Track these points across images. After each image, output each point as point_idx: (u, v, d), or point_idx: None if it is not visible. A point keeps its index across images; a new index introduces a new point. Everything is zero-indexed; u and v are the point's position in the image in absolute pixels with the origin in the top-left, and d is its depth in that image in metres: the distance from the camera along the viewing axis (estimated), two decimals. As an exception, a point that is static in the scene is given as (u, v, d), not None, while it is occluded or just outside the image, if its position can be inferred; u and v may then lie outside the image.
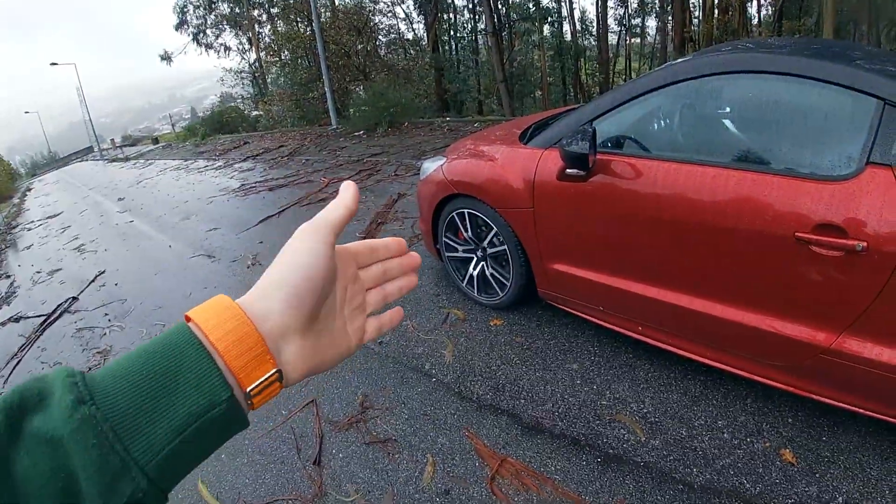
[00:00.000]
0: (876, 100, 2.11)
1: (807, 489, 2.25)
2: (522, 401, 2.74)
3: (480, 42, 24.33)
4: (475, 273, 3.30)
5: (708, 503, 2.21)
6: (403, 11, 26.16)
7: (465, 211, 3.23)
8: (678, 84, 2.52)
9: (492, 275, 3.22)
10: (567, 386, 2.80)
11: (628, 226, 2.58)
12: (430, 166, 3.56)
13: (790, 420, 2.56)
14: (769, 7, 18.97)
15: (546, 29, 22.33)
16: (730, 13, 14.91)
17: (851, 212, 2.09)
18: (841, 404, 2.36)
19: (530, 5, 16.32)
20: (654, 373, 2.83)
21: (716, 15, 14.17)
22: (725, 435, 2.50)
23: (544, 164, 2.80)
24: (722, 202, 2.33)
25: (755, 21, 20.05)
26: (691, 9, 19.99)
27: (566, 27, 23.49)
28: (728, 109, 2.60)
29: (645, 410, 2.62)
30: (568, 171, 2.63)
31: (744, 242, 2.30)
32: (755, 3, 20.23)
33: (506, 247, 3.06)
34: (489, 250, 3.20)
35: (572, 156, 2.54)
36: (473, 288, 3.34)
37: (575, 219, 2.75)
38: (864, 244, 2.05)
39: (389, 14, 24.08)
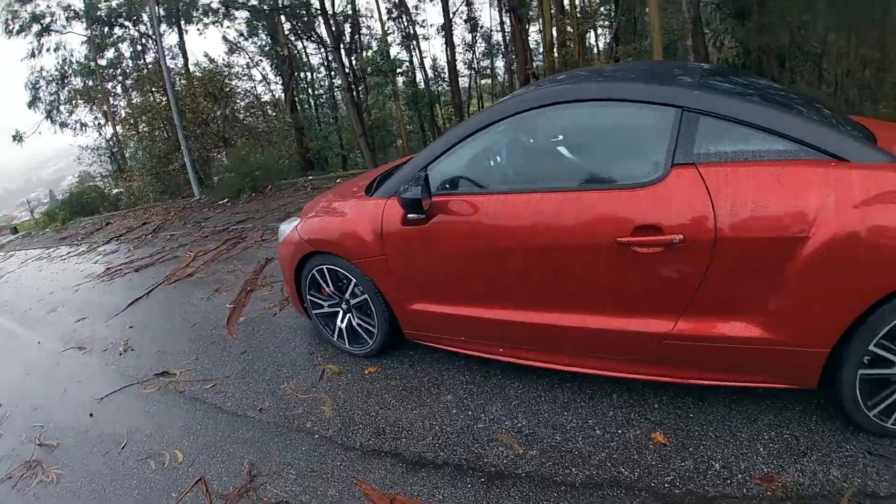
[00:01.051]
0: (674, 108, 2.34)
1: (682, 464, 2.39)
2: (404, 439, 2.71)
3: (339, 98, 24.29)
4: (343, 326, 3.29)
5: (591, 498, 2.28)
6: (260, 73, 25.92)
7: (325, 267, 3.22)
8: (499, 123, 2.68)
9: (359, 325, 3.22)
10: (444, 417, 2.80)
11: (472, 259, 2.68)
12: (287, 228, 3.53)
13: (656, 405, 2.71)
14: (607, 35, 20.51)
15: (400, 79, 22.76)
16: (569, 45, 15.92)
17: (664, 210, 2.28)
18: (698, 381, 2.53)
19: (379, 59, 16.55)
20: (523, 389, 2.91)
21: (555, 49, 15.12)
22: (597, 431, 2.60)
23: (389, 212, 2.87)
24: (551, 223, 2.47)
25: (595, 50, 21.50)
26: (532, 46, 21.22)
27: (419, 76, 24.23)
28: (540, 139, 2.79)
29: (520, 425, 2.68)
30: (409, 216, 2.73)
31: (575, 255, 2.44)
32: (593, 33, 21.71)
33: (367, 296, 3.09)
34: (352, 301, 3.21)
35: (408, 202, 2.64)
36: (344, 341, 3.33)
37: (424, 260, 2.83)
38: (681, 237, 2.25)
39: (246, 77, 23.73)
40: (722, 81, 2.65)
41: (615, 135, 2.60)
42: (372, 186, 3.23)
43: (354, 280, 3.07)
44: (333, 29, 17.70)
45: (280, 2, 17.92)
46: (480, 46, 26.54)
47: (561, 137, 2.76)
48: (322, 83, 26.33)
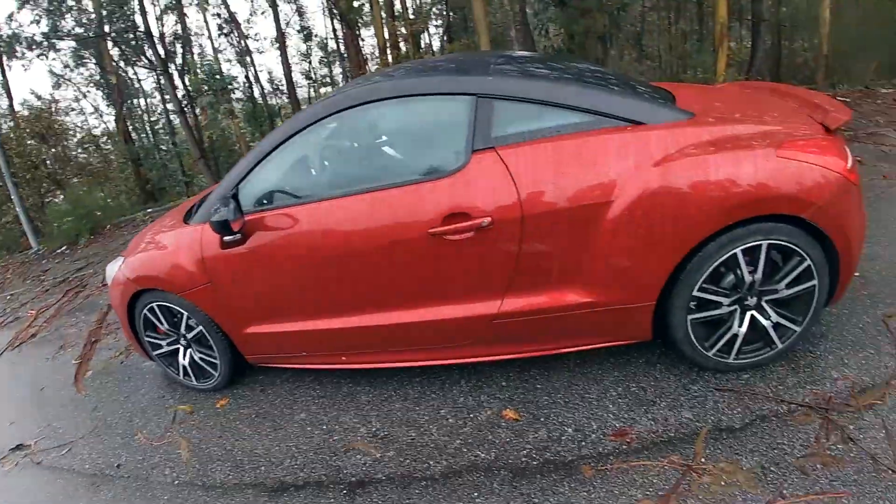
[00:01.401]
0: (469, 97, 2.39)
1: (536, 435, 2.46)
2: (263, 467, 2.58)
3: (176, 122, 22.93)
4: (186, 363, 3.09)
5: (453, 486, 2.29)
6: (91, 104, 23.43)
7: (155, 304, 2.99)
8: (303, 131, 2.61)
9: (201, 359, 3.04)
10: (300, 436, 2.71)
11: (297, 272, 2.62)
12: (112, 269, 3.25)
13: (504, 383, 2.77)
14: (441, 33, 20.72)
15: (237, 95, 21.70)
16: (403, 47, 15.99)
17: (469, 196, 2.32)
18: (539, 352, 2.63)
19: (208, 78, 15.54)
20: (374, 392, 2.88)
21: (388, 52, 15.12)
22: (450, 420, 2.62)
23: (207, 238, 2.71)
24: (367, 224, 2.46)
25: (432, 49, 21.68)
26: (370, 50, 20.90)
27: (257, 90, 23.05)
28: (348, 142, 2.76)
29: (374, 429, 2.64)
30: (225, 239, 2.61)
31: (394, 252, 2.45)
32: (427, 33, 21.83)
33: (202, 328, 2.92)
34: (189, 336, 3.02)
35: (218, 225, 2.51)
36: (191, 377, 3.13)
37: (249, 281, 2.72)
38: (489, 219, 2.30)
39: (76, 111, 21.53)
40: (529, 66, 2.76)
41: (418, 129, 2.63)
42: (191, 213, 3.05)
43: (186, 313, 2.89)
44: (160, 51, 16.47)
45: (104, 28, 16.49)
46: (317, 55, 25.88)
47: (368, 139, 2.74)
48: (156, 108, 24.40)
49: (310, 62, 25.42)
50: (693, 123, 2.38)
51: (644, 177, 2.28)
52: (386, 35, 14.84)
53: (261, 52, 24.42)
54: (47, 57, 19.78)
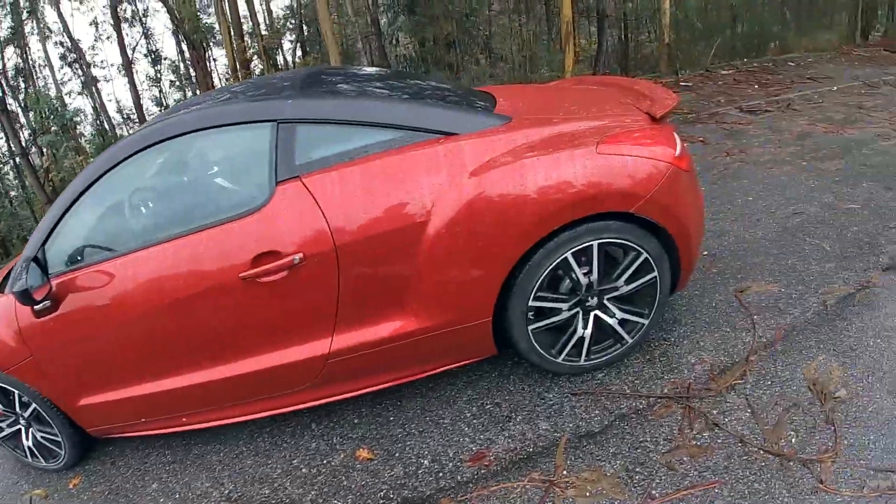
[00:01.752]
0: (269, 123, 2.17)
1: (392, 472, 2.29)
2: None
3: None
4: (30, 444, 2.78)
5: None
6: None
7: None
8: (99, 179, 2.33)
9: (43, 438, 2.74)
10: (150, 511, 2.47)
11: (117, 334, 2.35)
12: None
13: (356, 421, 2.59)
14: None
15: (87, 129, 19.87)
16: (254, 65, 15.47)
17: (276, 232, 2.11)
18: (386, 384, 2.45)
19: (47, 114, 14.03)
20: (225, 450, 2.63)
21: (238, 71, 14.55)
22: (304, 470, 2.41)
23: (21, 307, 2.42)
24: (180, 273, 2.22)
25: (289, 64, 20.67)
26: (221, 70, 20.09)
27: (106, 122, 21.17)
28: (150, 186, 2.50)
29: (227, 491, 2.40)
30: (35, 308, 2.32)
31: (212, 301, 2.22)
32: (282, 49, 20.98)
33: (35, 405, 2.63)
34: (25, 414, 2.72)
35: (21, 296, 2.22)
36: (39, 458, 2.82)
37: (70, 349, 2.42)
38: (300, 255, 2.09)
39: None
40: (340, 84, 2.55)
41: (222, 164, 2.40)
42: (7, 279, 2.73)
43: (16, 391, 2.58)
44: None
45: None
46: (168, 78, 24.16)
47: (171, 180, 2.48)
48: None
49: (160, 87, 23.90)
50: (509, 128, 2.23)
51: (458, 190, 2.13)
52: (234, 54, 14.23)
53: (108, 81, 22.45)
54: None
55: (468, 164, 2.16)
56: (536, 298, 2.27)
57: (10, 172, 19.66)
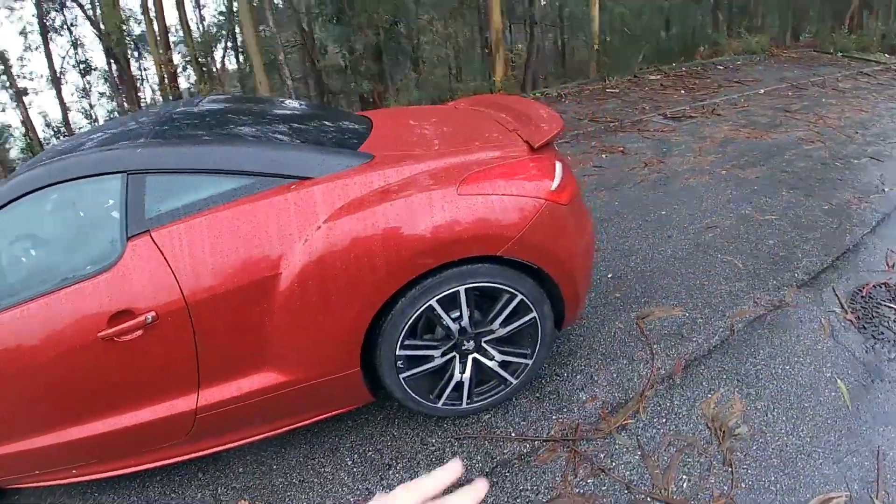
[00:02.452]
0: (120, 174, 1.98)
1: None
2: None
3: None
4: None
5: None
6: None
7: None
8: None
9: None
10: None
11: (2, 391, 2.16)
12: None
13: (241, 470, 2.41)
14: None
15: (14, 151, 18.76)
16: (189, 76, 15.09)
17: (128, 291, 1.93)
18: (263, 435, 2.29)
19: None
20: (118, 500, 2.46)
21: (167, 82, 13.89)
22: (185, 526, 2.25)
23: None
24: (42, 334, 2.04)
25: (229, 68, 20.03)
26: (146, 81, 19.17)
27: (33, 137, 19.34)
28: (8, 244, 2.27)
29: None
30: None
31: (76, 360, 2.03)
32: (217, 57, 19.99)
33: None
34: None
35: None
36: None
37: None
38: (153, 313, 1.92)
39: None
40: (196, 123, 2.32)
41: (74, 219, 2.17)
42: None
43: None
44: None
45: None
46: (98, 90, 22.29)
47: (27, 237, 2.25)
48: None
49: (89, 100, 22.29)
50: (367, 168, 2.04)
51: (308, 241, 1.95)
52: (161, 66, 13.72)
53: (37, 93, 20.67)
54: None
55: (319, 211, 1.97)
56: (404, 347, 2.10)
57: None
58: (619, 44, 11.38)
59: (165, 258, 1.94)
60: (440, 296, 2.04)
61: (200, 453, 2.29)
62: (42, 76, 20.44)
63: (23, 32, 19.27)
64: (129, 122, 2.41)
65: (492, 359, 2.24)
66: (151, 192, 2.00)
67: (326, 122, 2.62)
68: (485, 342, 2.22)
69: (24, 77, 20.05)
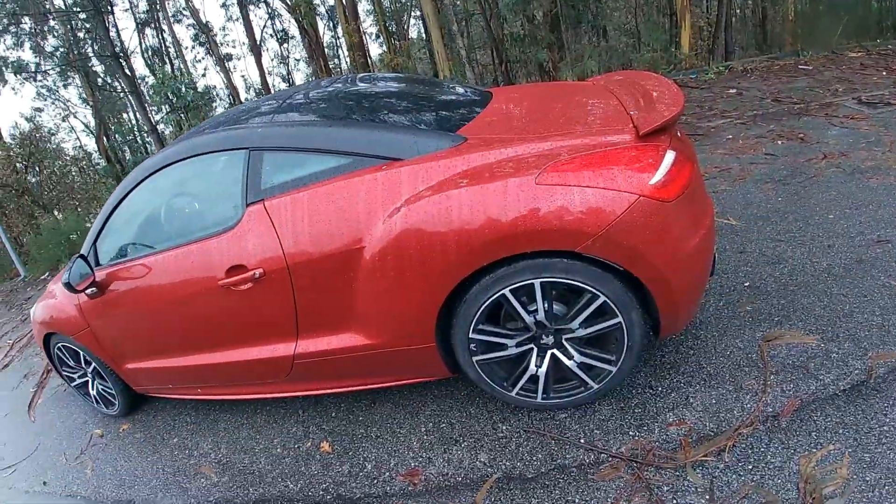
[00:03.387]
0: (243, 151, 2.18)
1: (339, 469, 2.26)
2: (137, 486, 2.59)
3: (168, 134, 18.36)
4: (94, 393, 3.15)
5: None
6: (82, 122, 20.86)
7: (60, 344, 3.07)
8: (133, 189, 2.51)
9: (103, 390, 3.09)
10: (168, 459, 2.68)
11: (141, 317, 2.58)
12: (32, 310, 3.33)
13: (333, 414, 2.55)
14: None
15: (220, 108, 19.33)
16: (377, 44, 14.92)
17: (243, 249, 2.15)
18: (347, 388, 2.42)
19: (170, 95, 13.18)
20: (231, 420, 2.77)
21: (354, 51, 13.40)
22: (279, 450, 2.47)
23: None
24: (182, 276, 2.36)
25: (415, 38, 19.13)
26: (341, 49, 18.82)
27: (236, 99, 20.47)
28: (171, 197, 2.59)
29: (220, 455, 2.56)
30: (87, 292, 2.59)
31: (205, 301, 2.32)
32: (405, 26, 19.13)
33: (94, 364, 2.97)
34: (89, 370, 3.07)
35: (65, 286, 2.53)
36: (101, 405, 3.18)
37: (112, 326, 2.72)
38: (261, 270, 2.11)
39: (63, 130, 20.08)
40: (313, 105, 2.43)
41: (212, 185, 2.43)
42: None
43: (82, 352, 2.95)
44: (128, 72, 15.50)
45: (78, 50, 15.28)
46: (295, 55, 23.03)
47: (179, 196, 2.58)
48: (140, 126, 20.54)
49: (287, 64, 22.94)
50: (455, 153, 1.95)
51: (389, 221, 1.93)
52: (349, 36, 13.56)
53: (239, 59, 22.10)
54: (35, 80, 18.02)
55: (403, 192, 1.92)
56: (478, 331, 1.99)
57: (147, 146, 19.92)
58: (817, 15, 9.26)
59: (273, 224, 2.08)
60: (513, 287, 1.87)
61: (298, 393, 2.46)
62: (243, 44, 21.96)
63: (224, 5, 20.80)
64: (284, 97, 2.56)
65: (571, 358, 2.02)
66: (268, 166, 2.15)
67: (444, 103, 2.53)
68: (565, 340, 2.00)
69: (227, 45, 21.57)
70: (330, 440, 2.40)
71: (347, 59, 18.72)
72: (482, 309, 1.93)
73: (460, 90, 2.75)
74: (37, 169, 13.77)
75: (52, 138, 18.29)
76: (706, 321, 2.44)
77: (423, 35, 16.95)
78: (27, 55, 16.92)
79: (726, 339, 2.34)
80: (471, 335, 1.99)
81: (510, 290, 1.88)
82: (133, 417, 3.10)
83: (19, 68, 16.10)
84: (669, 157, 1.85)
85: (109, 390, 3.01)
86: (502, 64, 11.19)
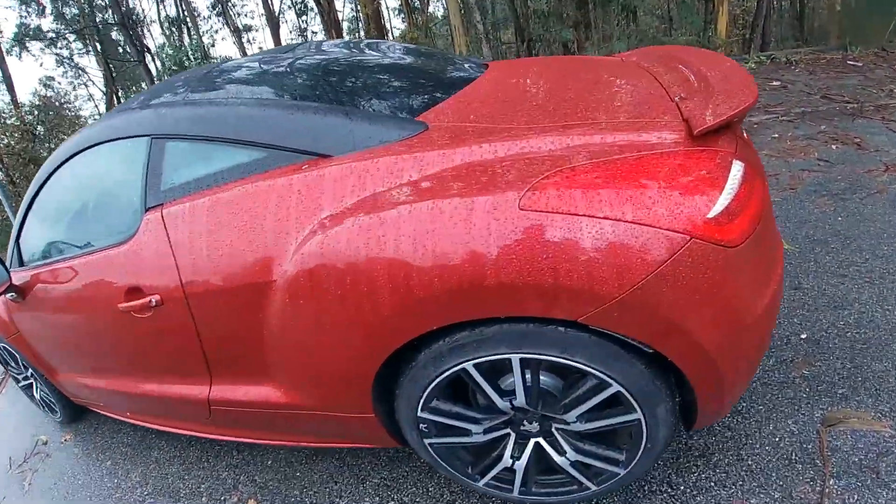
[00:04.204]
0: (146, 138, 1.41)
1: None
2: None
3: None
4: (38, 396, 2.46)
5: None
6: (100, 90, 18.57)
7: (2, 344, 2.32)
8: (42, 187, 1.77)
9: (43, 395, 2.39)
10: (101, 485, 2.00)
11: (68, 330, 1.85)
12: None
13: (269, 463, 1.83)
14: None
15: None
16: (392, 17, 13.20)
17: (140, 268, 1.41)
18: (282, 443, 1.66)
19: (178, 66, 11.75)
20: (165, 449, 2.07)
21: (370, 22, 11.56)
22: (204, 499, 1.78)
23: None
24: (81, 292, 1.63)
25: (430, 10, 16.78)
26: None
27: None
28: (74, 196, 1.80)
29: (146, 492, 1.88)
30: (8, 296, 1.93)
31: (107, 323, 1.59)
32: None
33: (30, 370, 2.28)
34: (28, 373, 2.37)
35: None
36: (46, 410, 2.49)
37: (41, 333, 2.02)
38: (158, 297, 1.37)
39: (81, 99, 18.13)
40: (248, 77, 1.60)
41: (117, 183, 1.60)
42: None
43: (19, 355, 2.26)
44: (136, 42, 14.09)
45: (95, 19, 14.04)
46: (314, 27, 20.24)
47: (79, 196, 1.78)
48: None
49: (305, 37, 20.36)
50: (405, 148, 1.09)
51: (301, 248, 1.14)
52: (364, 6, 11.74)
53: (257, 30, 19.93)
54: (55, 46, 16.49)
55: (323, 207, 1.11)
56: (430, 410, 1.17)
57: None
58: (867, 7, 7.71)
59: (169, 239, 1.33)
60: (479, 361, 1.05)
61: (228, 438, 1.73)
62: (261, 15, 19.72)
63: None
64: (244, 63, 1.71)
65: (563, 454, 1.21)
66: (169, 160, 1.38)
67: (422, 76, 1.65)
68: (557, 430, 1.19)
69: (245, 16, 19.62)
70: (259, 498, 1.68)
71: (359, 32, 17.05)
72: (434, 384, 1.13)
73: (459, 63, 1.86)
74: (51, 136, 12.20)
75: (70, 106, 17.32)
76: (750, 389, 1.58)
77: (444, 10, 15.41)
78: (46, 23, 15.50)
79: (776, 417, 1.50)
80: (420, 414, 1.20)
81: (474, 366, 1.07)
82: (77, 427, 2.44)
83: (34, 36, 14.94)
84: (737, 171, 0.99)
85: (50, 396, 2.34)
86: (524, 42, 9.78)
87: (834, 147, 3.29)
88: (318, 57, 1.70)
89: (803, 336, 1.75)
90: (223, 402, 1.51)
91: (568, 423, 1.16)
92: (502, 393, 1.14)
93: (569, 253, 0.93)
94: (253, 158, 1.26)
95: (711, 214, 0.94)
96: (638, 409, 1.09)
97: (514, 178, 0.99)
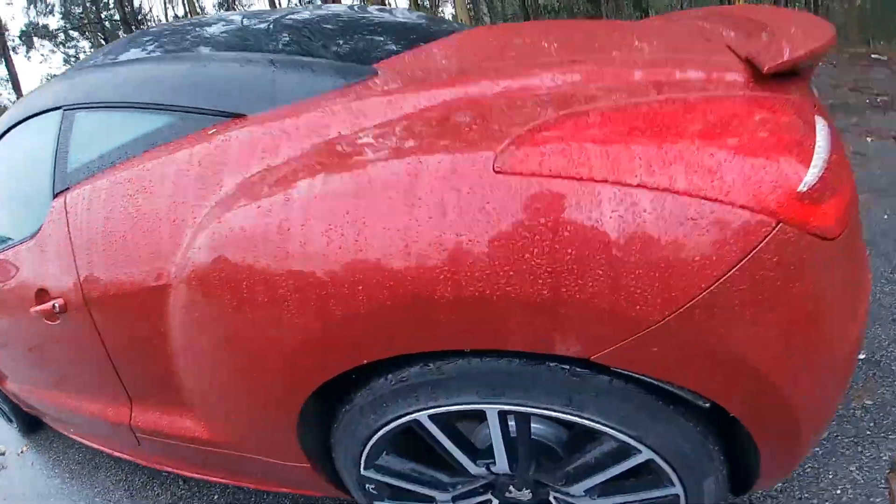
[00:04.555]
0: (58, 111, 1.07)
1: None
2: None
3: None
4: None
5: None
6: None
7: None
8: None
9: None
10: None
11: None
12: None
13: (216, 498, 1.45)
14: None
15: None
16: None
17: (45, 266, 1.07)
18: (219, 480, 1.27)
19: None
20: (111, 472, 1.68)
21: None
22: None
23: None
24: (11, 291, 1.25)
25: None
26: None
27: None
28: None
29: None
30: None
31: (29, 327, 1.23)
32: None
33: None
34: None
35: None
36: (3, 417, 2.16)
37: None
38: (61, 301, 1.02)
39: None
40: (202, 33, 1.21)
41: (33, 165, 1.24)
42: None
43: None
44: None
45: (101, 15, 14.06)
46: None
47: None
48: None
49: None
50: (340, 96, 0.68)
51: (194, 239, 0.77)
52: None
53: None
54: (65, 45, 15.84)
55: (224, 183, 0.70)
56: (377, 468, 0.77)
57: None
58: (883, 4, 7.05)
59: (69, 231, 0.98)
60: (437, 411, 0.65)
61: (167, 469, 1.36)
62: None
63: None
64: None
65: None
66: (78, 134, 1.03)
67: (392, 30, 1.23)
68: (557, 498, 0.79)
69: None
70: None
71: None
72: (378, 437, 0.74)
73: (457, 27, 1.44)
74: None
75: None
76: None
77: (452, 5, 14.64)
78: (53, 22, 15.34)
79: (835, 463, 1.09)
80: (363, 472, 0.81)
81: (430, 417, 0.68)
82: (34, 438, 2.08)
83: (40, 33, 14.63)
84: (822, 130, 0.58)
85: (3, 406, 2.00)
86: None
87: (869, 140, 2.81)
88: (294, 16, 1.31)
89: (861, 356, 1.32)
90: (148, 431, 1.16)
91: (573, 497, 0.76)
92: (475, 452, 0.75)
93: (578, 246, 0.53)
94: (163, 124, 0.89)
95: (803, 187, 0.54)
96: (678, 482, 0.69)
97: (490, 127, 0.60)
